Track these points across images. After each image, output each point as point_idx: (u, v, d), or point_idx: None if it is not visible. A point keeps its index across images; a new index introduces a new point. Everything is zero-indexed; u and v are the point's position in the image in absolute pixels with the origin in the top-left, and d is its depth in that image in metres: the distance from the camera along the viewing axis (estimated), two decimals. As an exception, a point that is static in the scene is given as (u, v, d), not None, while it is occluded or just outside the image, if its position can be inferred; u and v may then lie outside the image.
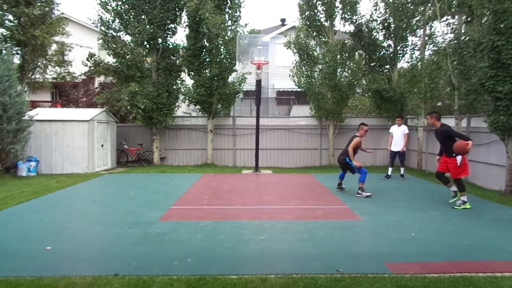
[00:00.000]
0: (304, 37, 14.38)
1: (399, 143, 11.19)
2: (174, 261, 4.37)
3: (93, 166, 12.21)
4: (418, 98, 13.23)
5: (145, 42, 13.66)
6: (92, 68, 14.32)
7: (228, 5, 13.79)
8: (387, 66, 14.18)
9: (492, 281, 3.86)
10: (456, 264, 4.32)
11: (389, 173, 11.21)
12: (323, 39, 14.27)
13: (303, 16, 14.23)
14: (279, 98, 22.97)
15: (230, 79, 14.37)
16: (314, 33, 14.38)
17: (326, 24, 14.16)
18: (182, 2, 13.61)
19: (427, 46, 13.48)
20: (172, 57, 14.31)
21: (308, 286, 3.74)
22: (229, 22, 13.71)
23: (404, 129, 11.28)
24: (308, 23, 14.23)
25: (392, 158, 11.33)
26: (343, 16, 13.98)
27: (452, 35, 10.71)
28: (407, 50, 13.93)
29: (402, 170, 11.39)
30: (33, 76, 14.64)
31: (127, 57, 13.38)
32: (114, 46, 13.40)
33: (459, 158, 7.07)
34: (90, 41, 20.14)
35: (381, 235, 5.46)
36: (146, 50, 13.87)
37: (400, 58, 14.04)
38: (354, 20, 14.00)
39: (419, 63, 13.44)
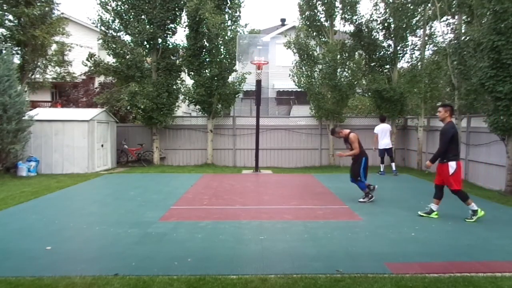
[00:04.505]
0: (304, 37, 14.38)
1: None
2: (174, 261, 4.37)
3: (93, 166, 12.21)
4: (418, 98, 13.23)
5: (145, 42, 13.66)
6: (92, 68, 14.34)
7: (228, 5, 13.79)
8: (387, 66, 14.16)
9: (492, 281, 3.86)
10: (456, 264, 4.32)
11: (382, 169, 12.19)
12: (323, 39, 14.26)
13: (303, 16, 14.23)
14: (279, 98, 22.97)
15: (230, 79, 14.37)
16: (314, 33, 14.37)
17: (326, 24, 14.16)
18: (182, 2, 13.61)
19: (427, 46, 13.48)
20: (172, 57, 14.31)
21: (308, 286, 3.74)
22: (229, 22, 13.71)
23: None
24: (308, 23, 14.22)
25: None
26: (343, 16, 13.97)
27: (452, 35, 10.72)
28: (407, 50, 13.90)
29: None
30: (33, 76, 14.63)
31: (127, 57, 13.39)
32: (114, 46, 13.40)
33: (452, 165, 6.14)
34: (90, 41, 20.12)
35: (381, 235, 5.46)
36: (146, 50, 13.86)
37: (400, 58, 14.02)
38: (354, 20, 13.99)
39: (419, 63, 13.44)
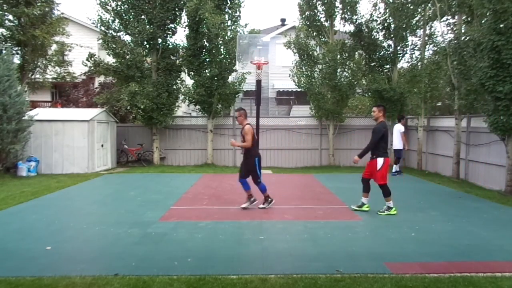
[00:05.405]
0: (304, 37, 14.38)
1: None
2: (174, 261, 4.37)
3: (93, 166, 12.20)
4: (418, 98, 13.23)
5: (145, 42, 13.65)
6: (92, 68, 14.32)
7: (228, 5, 13.78)
8: (387, 66, 14.16)
9: (492, 281, 3.86)
10: (456, 264, 4.32)
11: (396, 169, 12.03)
12: (323, 39, 14.26)
13: (303, 16, 14.23)
14: (279, 98, 22.97)
15: (230, 79, 14.36)
16: (314, 33, 14.37)
17: (326, 24, 14.16)
18: (182, 2, 13.61)
19: (427, 46, 13.48)
20: (172, 57, 14.30)
21: (308, 286, 3.74)
22: (229, 22, 13.69)
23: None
24: (308, 23, 14.22)
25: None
26: (343, 16, 13.97)
27: (452, 35, 10.72)
28: (407, 50, 13.90)
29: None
30: (33, 76, 14.64)
31: (127, 57, 13.38)
32: (114, 46, 13.40)
33: (380, 161, 6.58)
34: (90, 41, 20.13)
35: (381, 235, 5.46)
36: (146, 50, 13.85)
37: (400, 58, 14.02)
38: (354, 20, 13.99)
39: (419, 63, 13.44)
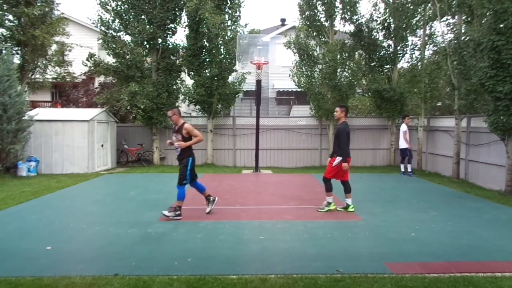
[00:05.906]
0: (304, 37, 14.38)
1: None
2: (174, 261, 4.37)
3: (93, 166, 12.20)
4: (418, 98, 13.24)
5: (145, 42, 13.66)
6: (92, 68, 14.33)
7: (228, 5, 13.79)
8: (387, 66, 14.16)
9: (492, 281, 3.86)
10: (456, 264, 4.32)
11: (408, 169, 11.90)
12: (323, 39, 14.26)
13: (303, 16, 14.23)
14: (279, 98, 22.96)
15: (230, 79, 14.37)
16: (314, 33, 14.37)
17: (326, 24, 14.16)
18: (182, 2, 13.61)
19: (427, 46, 13.48)
20: (172, 57, 14.31)
21: (308, 286, 3.74)
22: (229, 22, 13.70)
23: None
24: (308, 23, 14.23)
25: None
26: (343, 16, 13.97)
27: (452, 35, 10.72)
28: (407, 50, 13.91)
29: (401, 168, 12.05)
30: (33, 76, 14.64)
31: (127, 57, 13.38)
32: (114, 46, 13.40)
33: (338, 159, 6.74)
34: (90, 41, 20.13)
35: (381, 235, 5.46)
36: (146, 50, 13.86)
37: (400, 58, 14.03)
38: (354, 20, 13.99)
39: (419, 63, 13.45)
